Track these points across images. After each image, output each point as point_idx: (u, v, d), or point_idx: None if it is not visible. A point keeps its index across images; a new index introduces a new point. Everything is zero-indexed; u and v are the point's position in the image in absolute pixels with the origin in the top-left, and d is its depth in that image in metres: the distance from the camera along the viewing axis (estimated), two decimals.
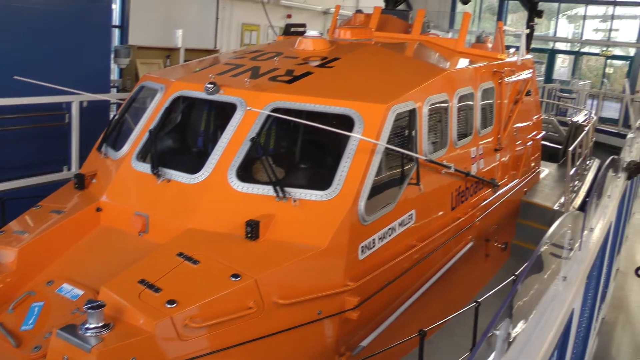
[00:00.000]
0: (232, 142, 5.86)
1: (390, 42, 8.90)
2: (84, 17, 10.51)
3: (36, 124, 9.63)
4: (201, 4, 18.57)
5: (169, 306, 4.54)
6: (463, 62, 8.65)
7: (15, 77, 7.58)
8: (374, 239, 5.82)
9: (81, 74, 10.24)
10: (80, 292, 5.18)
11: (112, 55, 12.72)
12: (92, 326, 4.29)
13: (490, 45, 10.38)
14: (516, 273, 6.49)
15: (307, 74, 6.61)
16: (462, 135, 7.75)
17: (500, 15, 34.74)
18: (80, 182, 6.57)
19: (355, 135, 5.68)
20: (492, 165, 8.93)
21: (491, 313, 2.85)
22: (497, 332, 2.81)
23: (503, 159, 9.46)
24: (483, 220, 8.34)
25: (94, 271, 5.45)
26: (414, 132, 6.44)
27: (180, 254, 5.13)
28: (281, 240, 5.37)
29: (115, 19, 15.29)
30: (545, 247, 3.69)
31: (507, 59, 9.99)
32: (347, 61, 7.15)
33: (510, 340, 2.92)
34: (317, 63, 7.03)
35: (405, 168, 6.29)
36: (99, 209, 6.14)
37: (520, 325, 3.14)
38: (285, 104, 5.98)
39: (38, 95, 8.95)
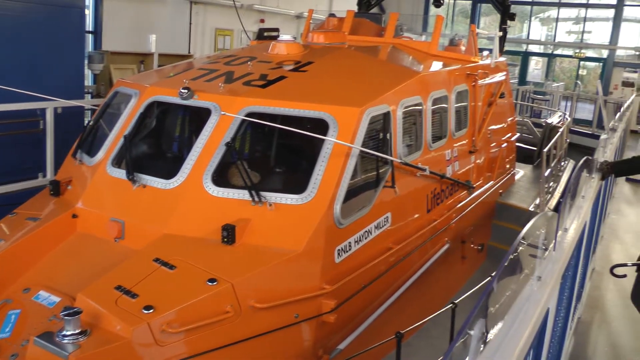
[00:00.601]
0: (207, 147, 5.87)
1: (364, 46, 8.95)
2: (58, 23, 10.45)
3: (10, 131, 9.54)
4: (174, 9, 18.56)
5: (145, 312, 4.53)
6: (437, 65, 8.72)
7: None
8: (350, 242, 5.85)
9: (55, 80, 10.17)
10: (57, 299, 5.15)
11: (86, 61, 12.65)
12: (69, 333, 4.28)
13: (463, 48, 10.46)
14: (492, 274, 6.55)
15: (281, 78, 6.64)
16: (436, 138, 7.80)
17: (473, 18, 35.08)
18: (56, 188, 6.53)
19: (330, 139, 5.71)
20: (467, 168, 9.00)
21: (468, 314, 2.88)
22: (472, 332, 2.84)
23: (478, 161, 9.54)
24: (459, 222, 8.41)
25: (70, 278, 5.41)
26: (388, 135, 6.47)
27: (156, 260, 5.13)
28: (257, 245, 5.38)
29: (89, 24, 15.23)
30: (520, 248, 3.73)
31: (481, 62, 10.08)
32: (321, 65, 7.18)
33: (486, 340, 2.95)
34: (291, 67, 7.06)
35: (381, 171, 6.31)
36: (74, 216, 6.12)
37: (495, 325, 3.18)
38: (260, 109, 6.00)
39: (11, 102, 8.90)
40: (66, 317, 4.28)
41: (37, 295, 5.24)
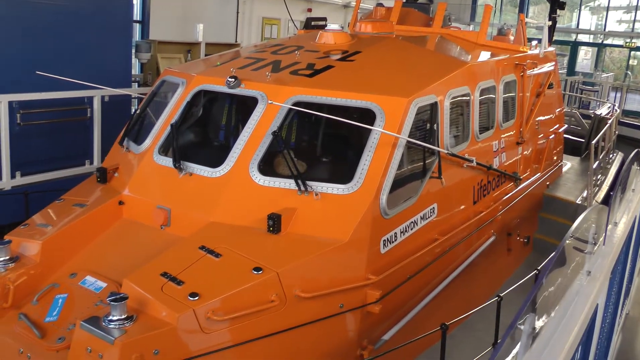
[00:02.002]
0: (253, 136, 5.88)
1: (412, 36, 8.86)
2: (106, 12, 10.60)
3: (59, 118, 9.72)
4: None
5: (191, 299, 4.56)
6: (484, 55, 8.59)
7: (38, 72, 7.63)
8: (395, 233, 5.81)
9: (103, 68, 10.34)
10: (103, 284, 5.22)
11: (133, 50, 12.78)
12: (115, 318, 4.33)
13: (512, 37, 10.32)
14: (539, 267, 6.46)
15: (328, 67, 6.61)
16: (484, 129, 7.70)
17: (522, 7, 34.50)
18: (103, 175, 6.62)
19: (377, 129, 5.67)
20: (514, 159, 8.88)
21: (513, 307, 2.83)
22: (522, 327, 2.79)
23: (525, 152, 9.40)
24: (505, 214, 8.30)
25: (116, 264, 5.48)
26: (435, 125, 6.41)
27: (202, 247, 5.16)
28: (303, 234, 5.38)
29: (136, 14, 15.38)
30: (569, 241, 3.66)
31: (529, 52, 9.90)
32: (369, 55, 7.13)
33: (535, 335, 2.90)
34: (338, 57, 7.02)
35: (427, 162, 6.27)
36: (121, 203, 6.18)
37: (544, 320, 3.12)
38: (307, 98, 5.98)
39: (60, 90, 9.05)
40: (112, 303, 4.34)
41: (84, 280, 5.32)
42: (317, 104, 5.97)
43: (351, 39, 7.65)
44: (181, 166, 5.94)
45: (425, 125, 6.32)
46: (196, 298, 4.57)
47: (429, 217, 6.32)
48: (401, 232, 5.89)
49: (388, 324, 5.88)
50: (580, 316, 3.33)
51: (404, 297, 6.03)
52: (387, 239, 5.70)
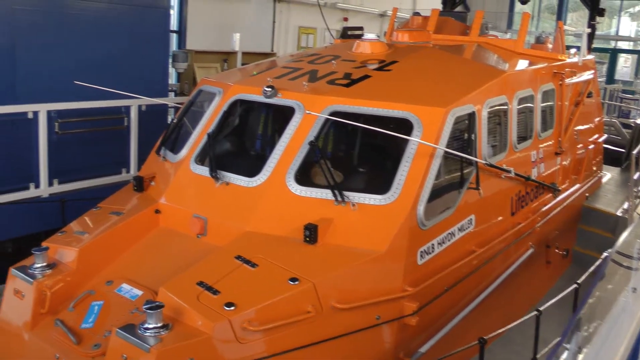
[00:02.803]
0: (290, 146, 5.88)
1: (449, 45, 8.82)
2: (143, 22, 10.72)
3: (96, 127, 9.84)
4: (258, 8, 18.75)
5: (227, 309, 4.57)
6: (522, 64, 8.51)
7: (76, 82, 7.73)
8: (433, 244, 5.76)
9: (140, 78, 10.44)
10: (139, 292, 5.26)
11: (170, 60, 12.91)
12: (151, 326, 4.36)
13: (550, 45, 10.20)
14: (578, 281, 6.36)
15: (365, 77, 6.60)
16: (522, 139, 7.62)
17: (560, 14, 34.09)
18: (139, 184, 6.68)
19: (415, 139, 5.64)
20: (552, 170, 8.76)
21: (552, 322, 2.78)
22: (569, 346, 2.74)
23: (564, 162, 9.28)
24: (544, 226, 8.19)
25: (152, 272, 5.53)
26: (473, 135, 6.36)
27: (238, 257, 5.17)
28: (340, 245, 5.36)
29: (174, 24, 15.54)
30: (612, 257, 3.58)
31: (568, 60, 9.79)
32: (406, 64, 7.10)
33: (580, 354, 2.85)
34: (375, 66, 7.01)
35: (465, 172, 6.21)
36: (157, 211, 6.23)
37: (588, 338, 3.06)
38: (344, 108, 5.98)
39: (98, 99, 9.16)
40: (148, 311, 4.36)
41: (120, 287, 5.36)
42: (354, 113, 5.96)
43: (388, 48, 7.63)
44: (218, 175, 5.96)
45: (462, 135, 6.27)
46: (232, 308, 4.58)
47: (466, 229, 6.26)
48: (438, 244, 5.85)
49: (425, 337, 5.83)
50: (626, 334, 3.25)
51: (441, 310, 5.97)
52: (424, 250, 5.66)
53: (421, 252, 5.61)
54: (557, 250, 9.35)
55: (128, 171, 10.05)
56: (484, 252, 6.51)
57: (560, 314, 5.91)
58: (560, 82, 8.95)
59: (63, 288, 5.44)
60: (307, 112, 5.76)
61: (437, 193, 5.81)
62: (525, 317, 5.63)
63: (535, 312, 5.53)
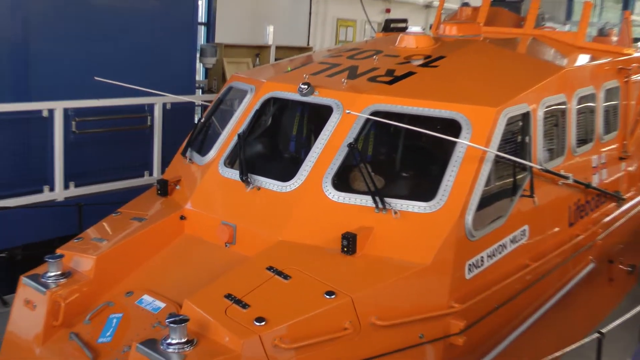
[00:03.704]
0: (327, 148, 5.91)
1: (501, 38, 8.79)
2: (169, 14, 10.83)
3: (117, 127, 9.96)
4: None
5: (257, 324, 4.58)
6: (583, 59, 8.45)
7: (96, 77, 7.83)
8: (482, 257, 5.75)
9: (165, 74, 10.55)
10: (161, 304, 5.30)
11: (198, 55, 13.02)
12: (174, 341, 4.37)
13: (614, 38, 10.11)
14: None
15: (410, 74, 6.61)
16: (582, 142, 7.57)
17: (627, 3, 33.56)
18: (164, 188, 6.76)
19: (463, 142, 5.63)
20: (616, 176, 8.68)
21: (616, 346, 2.76)
22: None
23: (629, 168, 9.17)
24: (606, 238, 8.09)
25: (176, 283, 5.58)
26: (527, 138, 6.33)
27: (270, 268, 5.19)
28: (380, 256, 5.37)
29: (201, 15, 15.66)
30: None
31: (635, 54, 9.69)
32: (454, 60, 7.10)
33: None
34: (420, 62, 7.02)
35: (518, 178, 6.19)
36: (182, 217, 6.31)
37: None
38: (386, 107, 5.99)
39: (119, 96, 9.27)
40: (172, 325, 4.37)
41: (141, 299, 5.41)
42: (397, 113, 5.98)
43: (434, 42, 7.64)
44: (248, 179, 6.01)
45: (516, 137, 6.25)
46: (262, 323, 4.59)
47: (519, 240, 6.23)
48: (488, 256, 5.82)
49: (473, 358, 5.81)
50: None
51: (491, 329, 5.94)
52: (473, 263, 5.64)
53: (469, 265, 5.60)
54: (621, 266, 9.21)
55: (151, 174, 10.18)
56: (538, 266, 6.46)
57: (625, 338, 5.86)
58: (626, 79, 8.87)
59: (79, 299, 5.48)
60: (347, 111, 5.79)
61: (487, 201, 5.79)
62: (586, 340, 5.58)
63: (596, 335, 5.48)
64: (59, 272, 5.54)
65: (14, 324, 5.65)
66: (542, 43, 8.84)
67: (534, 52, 8.57)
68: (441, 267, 5.36)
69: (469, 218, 5.51)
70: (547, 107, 6.70)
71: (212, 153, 6.61)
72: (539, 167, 6.37)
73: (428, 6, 24.77)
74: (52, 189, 9.10)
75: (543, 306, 6.73)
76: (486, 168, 5.70)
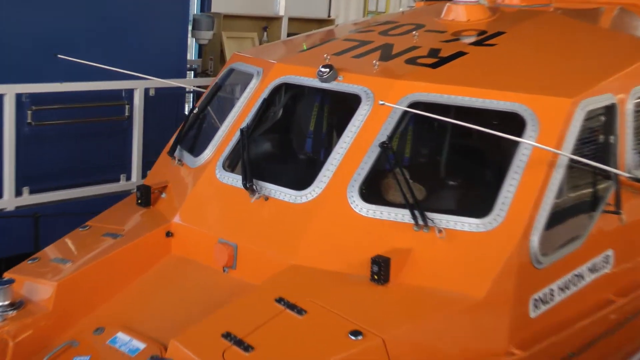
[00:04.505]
0: (353, 148, 5.93)
1: (578, 8, 8.78)
2: None
3: (85, 117, 9.96)
4: None
5: None
6: None
7: (59, 55, 7.85)
8: (551, 289, 5.75)
9: (148, 51, 10.56)
10: (141, 345, 5.28)
11: (190, 27, 13.04)
12: None
13: None
14: None
15: (459, 54, 6.64)
16: None
17: None
18: (146, 196, 6.81)
19: (528, 142, 5.63)
20: None
21: None
22: None
23: None
24: None
25: (160, 318, 5.61)
26: (612, 137, 6.34)
27: (279, 300, 5.20)
28: (420, 286, 5.37)
29: None
30: None
31: None
32: (516, 37, 7.12)
33: None
34: (473, 39, 7.06)
35: (599, 189, 6.21)
36: (169, 234, 6.37)
37: None
38: (429, 97, 6.00)
39: (89, 79, 9.30)
40: None
41: (114, 338, 5.40)
42: (443, 105, 6.00)
43: (491, 14, 7.66)
44: (253, 187, 6.03)
45: (597, 137, 6.26)
46: None
47: (600, 269, 6.23)
48: (560, 289, 5.83)
49: None
50: None
51: None
52: (540, 297, 5.64)
53: (535, 300, 5.60)
54: None
55: (129, 178, 10.22)
56: (626, 303, 6.46)
57: None
58: None
59: (33, 336, 5.45)
60: (380, 102, 5.80)
61: (558, 217, 5.78)
62: None
63: None
64: (7, 302, 5.49)
65: None
66: (632, 14, 8.82)
67: (622, 27, 8.56)
68: (498, 302, 5.37)
69: (535, 239, 5.50)
70: (638, 99, 6.70)
71: (207, 153, 6.67)
72: (627, 175, 6.34)
73: None
74: (0, 196, 9.09)
75: (634, 355, 6.71)
76: (557, 175, 5.69)
